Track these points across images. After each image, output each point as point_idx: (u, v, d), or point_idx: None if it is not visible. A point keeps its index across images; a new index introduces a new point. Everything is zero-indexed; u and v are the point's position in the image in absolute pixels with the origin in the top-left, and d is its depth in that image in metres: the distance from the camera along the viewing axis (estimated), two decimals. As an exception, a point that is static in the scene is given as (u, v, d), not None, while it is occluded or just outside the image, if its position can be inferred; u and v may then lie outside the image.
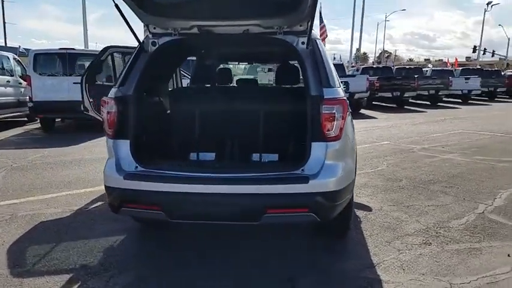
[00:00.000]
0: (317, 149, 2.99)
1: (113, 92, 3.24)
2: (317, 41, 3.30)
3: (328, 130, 2.97)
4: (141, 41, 3.38)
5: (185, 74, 6.54)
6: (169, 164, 3.29)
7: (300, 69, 4.31)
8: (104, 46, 5.26)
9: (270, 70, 15.74)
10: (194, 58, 5.74)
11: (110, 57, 5.49)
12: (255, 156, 3.69)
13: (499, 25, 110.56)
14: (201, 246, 3.63)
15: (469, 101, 21.43)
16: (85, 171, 6.48)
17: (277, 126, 3.64)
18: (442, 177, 6.09)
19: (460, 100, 21.55)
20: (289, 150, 3.69)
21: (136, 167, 3.16)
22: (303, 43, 3.27)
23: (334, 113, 2.96)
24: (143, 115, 3.34)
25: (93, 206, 4.80)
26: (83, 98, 4.95)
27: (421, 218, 4.38)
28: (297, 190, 2.90)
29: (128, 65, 3.35)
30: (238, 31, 3.34)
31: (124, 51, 5.85)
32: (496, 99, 23.46)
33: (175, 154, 3.82)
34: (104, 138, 3.42)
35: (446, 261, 3.37)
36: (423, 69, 24.40)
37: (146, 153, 3.34)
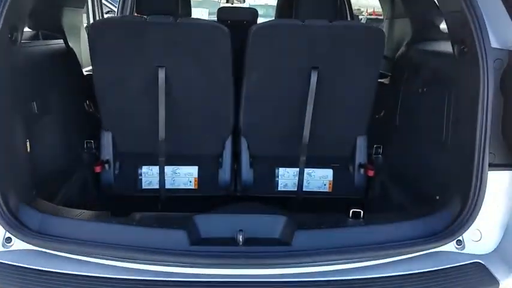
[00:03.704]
0: (500, 188, 1.21)
1: None
2: None
3: None
4: None
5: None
6: (112, 224, 1.25)
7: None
8: None
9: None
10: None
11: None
12: (285, 174, 1.75)
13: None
14: None
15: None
16: None
17: (338, 109, 1.69)
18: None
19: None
20: (352, 163, 1.82)
21: (9, 239, 1.12)
22: None
23: None
24: (26, 87, 1.28)
25: None
26: None
27: None
28: None
29: None
30: None
31: None
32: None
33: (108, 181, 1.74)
34: None
35: None
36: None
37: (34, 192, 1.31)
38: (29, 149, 1.44)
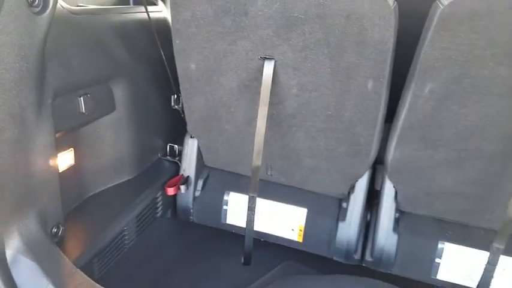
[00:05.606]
0: None
1: None
2: None
3: None
4: None
5: None
6: None
7: None
8: None
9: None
10: None
11: None
12: (454, 256, 1.04)
13: None
14: None
15: None
16: None
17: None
18: None
19: None
20: None
21: None
22: None
23: None
24: (73, 75, 0.83)
25: None
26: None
27: None
28: None
29: None
30: None
31: None
32: None
33: None
34: None
35: None
36: None
37: None
38: (72, 162, 1.03)
